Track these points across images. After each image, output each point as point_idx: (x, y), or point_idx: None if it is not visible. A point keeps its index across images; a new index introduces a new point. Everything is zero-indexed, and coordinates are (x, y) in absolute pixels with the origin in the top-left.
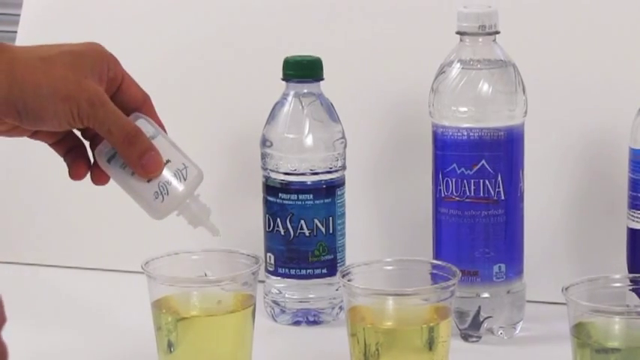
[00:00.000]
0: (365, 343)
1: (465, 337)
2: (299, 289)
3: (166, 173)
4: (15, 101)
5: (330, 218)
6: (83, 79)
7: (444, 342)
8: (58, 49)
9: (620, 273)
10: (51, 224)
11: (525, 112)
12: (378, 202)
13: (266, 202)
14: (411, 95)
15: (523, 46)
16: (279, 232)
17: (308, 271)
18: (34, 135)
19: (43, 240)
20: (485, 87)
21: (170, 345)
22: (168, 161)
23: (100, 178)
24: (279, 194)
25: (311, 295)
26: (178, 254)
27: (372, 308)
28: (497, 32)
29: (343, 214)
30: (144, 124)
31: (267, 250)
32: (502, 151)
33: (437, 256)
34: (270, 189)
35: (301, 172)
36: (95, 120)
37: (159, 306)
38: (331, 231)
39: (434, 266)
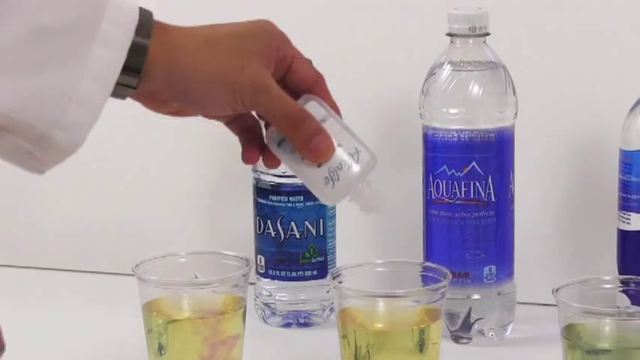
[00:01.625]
0: (356, 345)
1: (456, 339)
2: (290, 291)
3: (337, 158)
4: (176, 85)
5: (321, 220)
6: (247, 64)
7: (434, 344)
8: (223, 30)
9: (610, 274)
10: (47, 226)
11: (516, 114)
12: None
13: (256, 204)
14: (402, 97)
15: (513, 47)
16: (270, 234)
17: (299, 273)
18: (205, 116)
19: (36, 241)
20: (475, 89)
21: (161, 347)
22: (339, 145)
23: (272, 162)
24: (270, 196)
25: (302, 297)
26: (168, 256)
27: (363, 310)
28: (488, 34)
29: (334, 216)
30: (314, 107)
31: (258, 252)
32: (492, 153)
33: (427, 257)
34: (261, 191)
35: (292, 174)
36: (259, 106)
37: (149, 308)
38: (322, 233)
39: (424, 268)
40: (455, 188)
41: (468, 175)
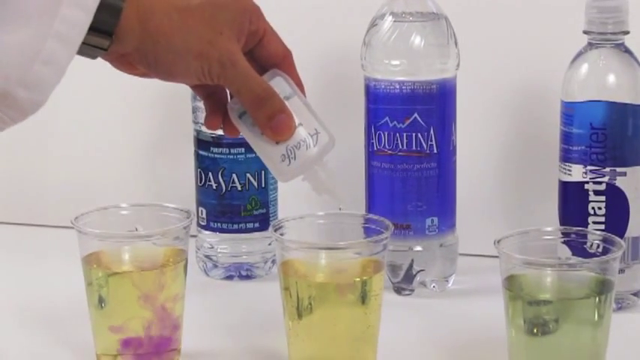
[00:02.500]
0: (298, 297)
1: (398, 291)
2: (231, 244)
3: (297, 137)
4: (146, 53)
5: (263, 172)
6: (218, 36)
7: (376, 295)
8: None
9: (551, 226)
10: None
11: (458, 65)
12: None
13: (198, 157)
14: (343, 48)
15: None
16: (211, 186)
17: (240, 225)
18: (165, 79)
19: None
20: (417, 40)
21: (101, 300)
22: (300, 124)
23: (231, 131)
24: (211, 148)
25: (243, 250)
26: (108, 209)
27: (305, 262)
28: None
29: None
30: (280, 83)
31: (199, 204)
32: (434, 105)
33: (370, 209)
34: (202, 143)
35: None
36: (225, 80)
37: (89, 261)
38: (263, 185)
39: (366, 220)
40: (397, 140)
41: (410, 127)
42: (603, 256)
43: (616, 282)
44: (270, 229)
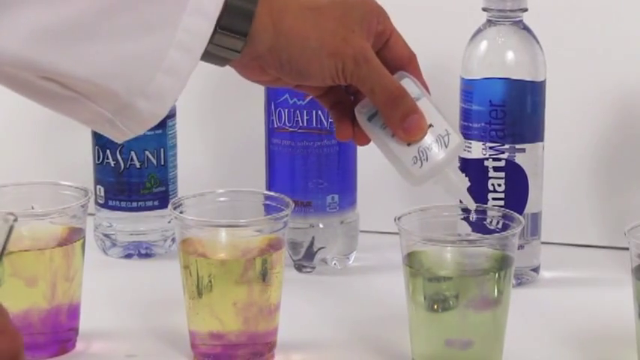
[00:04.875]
0: (198, 275)
1: (299, 268)
2: (130, 222)
3: (428, 138)
4: (280, 52)
5: (162, 150)
6: (350, 34)
7: (277, 273)
8: None
9: (451, 202)
10: None
11: None
12: (211, 134)
13: (95, 134)
14: None
15: None
16: (109, 163)
17: (139, 203)
18: (298, 87)
19: None
20: None
21: None
22: (430, 125)
23: (361, 139)
24: None
25: (142, 228)
26: (4, 187)
27: (205, 240)
28: None
29: (175, 146)
30: (409, 84)
31: (97, 182)
32: None
33: (270, 187)
34: None
35: None
36: (358, 78)
37: None
38: (163, 163)
39: (267, 197)
40: (297, 117)
41: (310, 104)
42: (503, 233)
43: (515, 258)
44: (170, 206)
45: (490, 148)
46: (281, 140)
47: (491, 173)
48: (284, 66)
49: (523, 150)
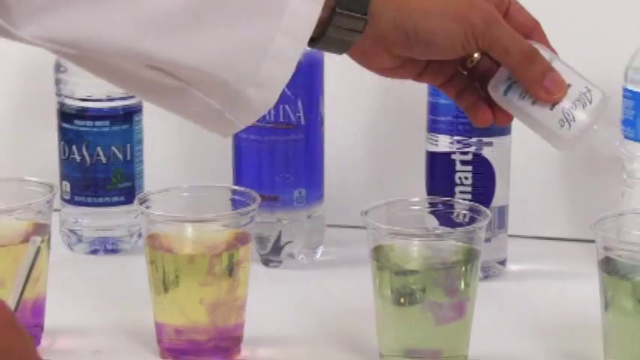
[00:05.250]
0: (164, 271)
1: (266, 263)
2: (96, 218)
3: (569, 99)
4: (404, 23)
5: (128, 145)
6: None
7: (244, 268)
8: None
9: (418, 196)
10: None
11: None
12: (177, 128)
13: (61, 129)
14: None
15: None
16: (75, 159)
17: (105, 199)
18: (420, 76)
19: None
20: None
21: None
22: (569, 85)
23: (503, 118)
24: (75, 121)
25: (109, 224)
26: None
27: (171, 235)
28: None
29: (141, 141)
30: (540, 48)
31: (63, 178)
32: (302, 76)
33: (237, 182)
34: (66, 116)
35: (97, 98)
36: (491, 40)
37: None
38: (129, 158)
39: (234, 192)
40: None
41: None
42: (469, 226)
43: (482, 251)
44: (136, 202)
45: (457, 141)
46: (248, 135)
47: (459, 167)
48: (410, 39)
49: (490, 143)
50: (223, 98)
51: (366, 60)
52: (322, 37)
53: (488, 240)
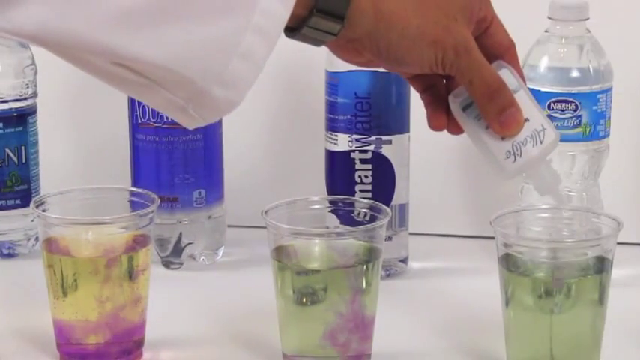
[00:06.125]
0: (62, 274)
1: (167, 264)
2: None
3: (523, 133)
4: (378, 38)
5: (23, 147)
6: (452, 23)
7: (144, 270)
8: None
9: (319, 195)
10: None
11: None
12: (73, 130)
13: None
14: None
15: None
16: None
17: (1, 202)
18: (393, 69)
19: None
20: None
21: None
22: (526, 120)
23: (455, 129)
24: None
25: (5, 227)
26: None
27: (69, 238)
28: None
29: (36, 143)
30: (507, 76)
31: None
32: None
33: (135, 183)
34: None
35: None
36: (458, 69)
37: None
38: (24, 160)
39: (132, 194)
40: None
41: None
42: (370, 224)
43: (383, 249)
44: (32, 205)
45: (356, 140)
46: (145, 136)
47: (358, 165)
48: (382, 52)
49: (389, 142)
50: (188, 96)
51: (338, 52)
52: (296, 34)
53: (389, 238)
